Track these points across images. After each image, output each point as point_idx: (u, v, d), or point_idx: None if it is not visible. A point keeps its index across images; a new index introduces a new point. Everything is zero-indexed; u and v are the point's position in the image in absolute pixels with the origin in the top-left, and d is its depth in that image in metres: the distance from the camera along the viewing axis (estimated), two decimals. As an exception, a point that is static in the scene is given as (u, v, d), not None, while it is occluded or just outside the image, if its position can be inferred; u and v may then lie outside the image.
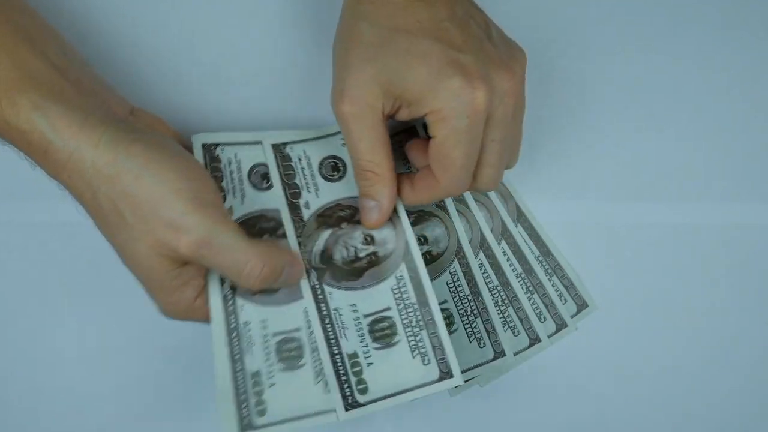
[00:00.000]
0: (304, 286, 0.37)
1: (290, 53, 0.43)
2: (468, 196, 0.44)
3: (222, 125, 0.43)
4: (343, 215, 0.40)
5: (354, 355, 0.36)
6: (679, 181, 0.45)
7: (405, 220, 0.39)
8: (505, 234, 0.44)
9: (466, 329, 0.43)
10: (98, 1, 0.43)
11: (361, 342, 0.37)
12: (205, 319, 0.36)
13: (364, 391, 0.36)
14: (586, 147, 0.45)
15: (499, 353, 0.43)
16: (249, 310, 0.36)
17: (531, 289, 0.44)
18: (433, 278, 0.41)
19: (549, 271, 0.44)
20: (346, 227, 0.39)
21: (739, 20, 0.46)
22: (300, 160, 0.40)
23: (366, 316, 0.37)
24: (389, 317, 0.37)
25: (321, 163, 0.41)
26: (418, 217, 0.42)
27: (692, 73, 0.46)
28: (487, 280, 0.44)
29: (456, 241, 0.41)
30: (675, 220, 0.45)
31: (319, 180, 0.40)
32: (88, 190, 0.32)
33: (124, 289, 0.43)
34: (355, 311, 0.37)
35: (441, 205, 0.42)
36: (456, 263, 0.41)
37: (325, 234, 0.39)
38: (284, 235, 0.38)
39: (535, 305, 0.44)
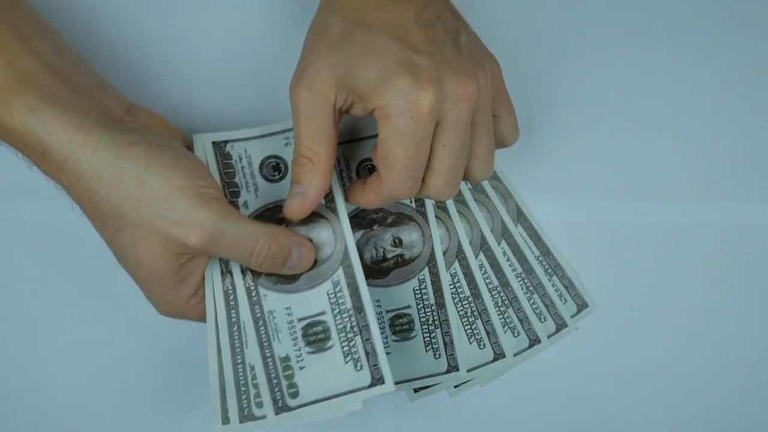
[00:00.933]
0: (358, 274, 0.38)
1: (291, 52, 0.43)
2: (468, 197, 0.44)
3: (224, 124, 0.43)
4: (375, 218, 0.41)
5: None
6: (679, 181, 0.45)
7: (346, 223, 0.39)
8: (505, 234, 0.44)
9: (466, 330, 0.43)
10: None
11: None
12: (199, 317, 0.37)
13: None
14: (586, 147, 0.45)
15: (499, 354, 0.43)
16: (272, 299, 0.37)
17: (531, 289, 0.44)
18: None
19: (549, 271, 0.44)
20: (378, 229, 0.41)
21: (738, 20, 0.46)
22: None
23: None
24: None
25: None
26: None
27: (692, 73, 0.46)
28: (487, 281, 0.44)
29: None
30: (675, 220, 0.45)
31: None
32: (85, 192, 0.32)
33: (125, 288, 0.43)
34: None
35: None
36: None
37: (357, 235, 0.41)
38: (301, 223, 0.38)
39: (535, 305, 0.44)
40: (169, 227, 0.32)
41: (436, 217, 0.43)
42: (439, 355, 0.40)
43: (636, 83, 0.45)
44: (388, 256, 0.41)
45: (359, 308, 0.38)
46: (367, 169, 0.42)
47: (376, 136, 0.39)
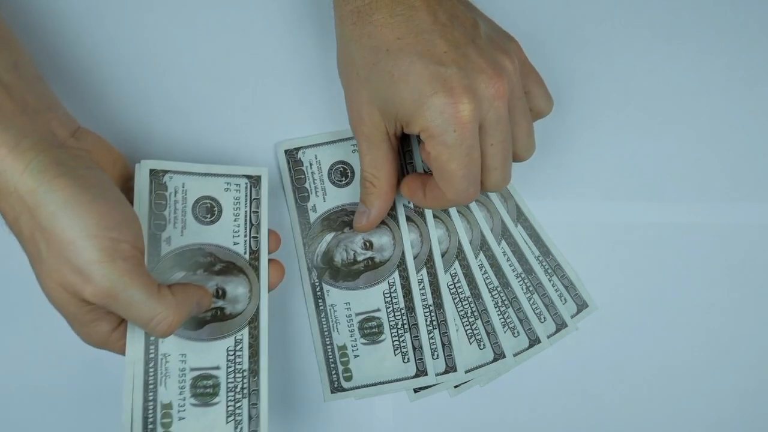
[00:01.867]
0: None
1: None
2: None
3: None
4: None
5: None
6: (679, 181, 0.45)
7: (405, 232, 0.42)
8: (505, 234, 0.44)
9: (466, 330, 0.43)
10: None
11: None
12: (121, 351, 0.36)
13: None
14: (585, 147, 0.45)
15: (499, 355, 0.43)
16: (334, 294, 0.41)
17: (531, 289, 0.44)
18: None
19: (549, 271, 0.44)
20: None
21: (738, 20, 0.46)
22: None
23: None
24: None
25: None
26: None
27: (692, 73, 0.46)
28: (487, 281, 0.44)
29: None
30: (675, 220, 0.45)
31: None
32: (11, 212, 0.32)
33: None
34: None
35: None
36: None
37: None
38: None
39: (535, 305, 0.44)
40: (68, 272, 0.31)
41: (436, 217, 0.43)
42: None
43: (636, 83, 0.45)
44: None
45: (411, 308, 0.41)
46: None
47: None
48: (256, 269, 0.38)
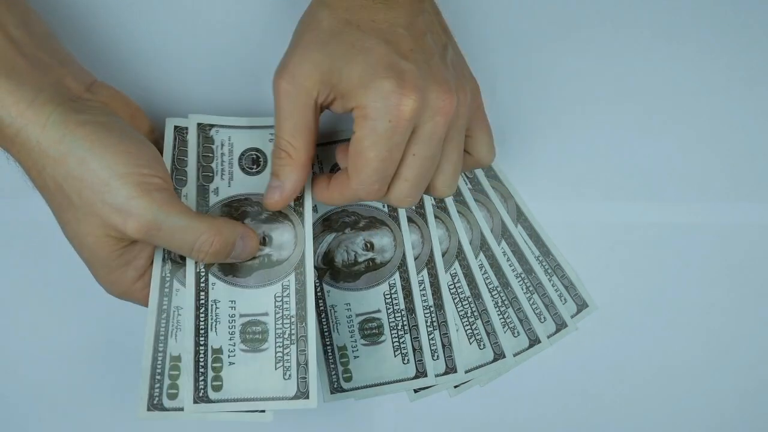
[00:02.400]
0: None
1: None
2: (468, 197, 0.44)
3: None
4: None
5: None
6: (679, 181, 0.45)
7: (406, 233, 0.41)
8: (505, 234, 0.44)
9: (466, 331, 0.43)
10: None
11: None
12: (143, 302, 0.37)
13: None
14: (585, 147, 0.45)
15: (499, 355, 0.43)
16: (335, 295, 0.41)
17: (531, 289, 0.44)
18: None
19: (549, 271, 0.44)
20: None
21: (738, 20, 0.46)
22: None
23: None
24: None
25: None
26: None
27: (692, 73, 0.46)
28: (487, 281, 0.44)
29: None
30: (675, 220, 0.45)
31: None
32: (34, 168, 0.32)
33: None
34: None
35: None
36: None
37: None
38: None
39: (535, 305, 0.44)
40: (108, 213, 0.32)
41: (436, 217, 0.43)
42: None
43: (636, 83, 0.45)
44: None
45: (411, 309, 0.41)
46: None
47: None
48: (301, 215, 0.39)
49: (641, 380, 0.44)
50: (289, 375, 0.37)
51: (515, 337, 0.43)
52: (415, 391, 0.43)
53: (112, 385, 0.43)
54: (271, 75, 0.34)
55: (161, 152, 0.37)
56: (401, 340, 0.42)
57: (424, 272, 0.43)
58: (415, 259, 0.43)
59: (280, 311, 0.37)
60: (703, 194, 0.45)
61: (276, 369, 0.37)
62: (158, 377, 0.36)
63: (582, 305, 0.44)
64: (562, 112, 0.45)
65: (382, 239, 0.42)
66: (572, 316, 0.44)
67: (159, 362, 0.36)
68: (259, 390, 0.36)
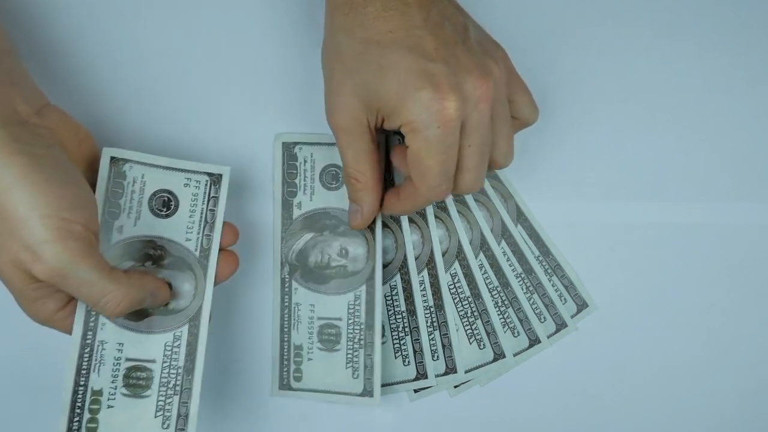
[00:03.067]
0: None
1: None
2: (468, 197, 0.44)
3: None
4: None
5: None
6: (679, 181, 0.45)
7: (379, 247, 0.41)
8: (505, 234, 0.44)
9: (466, 331, 0.43)
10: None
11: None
12: (66, 330, 0.36)
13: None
14: (585, 147, 0.45)
15: (499, 355, 0.43)
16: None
17: (531, 289, 0.44)
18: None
19: (549, 271, 0.44)
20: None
21: (739, 20, 0.46)
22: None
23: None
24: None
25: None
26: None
27: (693, 73, 0.46)
28: (487, 281, 0.44)
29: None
30: (675, 220, 0.45)
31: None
32: None
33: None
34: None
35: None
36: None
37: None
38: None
39: (535, 305, 0.44)
40: (17, 249, 0.31)
41: (436, 217, 0.43)
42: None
43: (636, 83, 0.45)
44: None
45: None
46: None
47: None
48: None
49: (641, 380, 0.44)
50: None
51: (515, 337, 0.43)
52: (415, 391, 0.43)
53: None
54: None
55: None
56: (402, 342, 0.42)
57: (425, 272, 0.43)
58: (416, 259, 0.43)
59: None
60: (703, 194, 0.45)
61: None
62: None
63: (582, 305, 0.44)
64: (562, 111, 0.45)
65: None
66: (572, 316, 0.44)
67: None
68: (331, 384, 0.41)
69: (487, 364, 0.43)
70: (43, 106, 0.36)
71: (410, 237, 0.43)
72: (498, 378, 0.43)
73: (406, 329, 0.42)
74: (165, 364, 0.37)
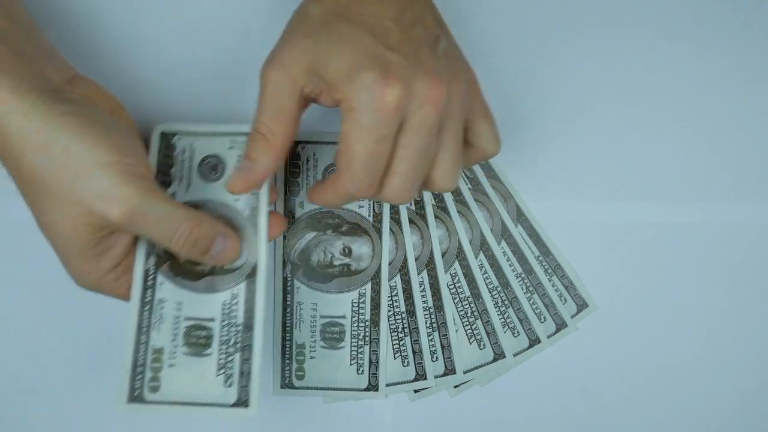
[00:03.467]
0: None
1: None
2: (468, 197, 0.44)
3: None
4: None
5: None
6: (679, 181, 0.45)
7: (386, 246, 0.42)
8: (505, 234, 0.44)
9: (466, 331, 0.43)
10: None
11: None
12: (115, 294, 0.37)
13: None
14: (585, 147, 0.45)
15: (499, 355, 0.43)
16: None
17: (531, 289, 0.44)
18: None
19: (549, 271, 0.44)
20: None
21: (739, 20, 0.46)
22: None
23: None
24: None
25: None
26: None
27: (692, 73, 0.45)
28: (488, 281, 0.44)
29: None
30: (675, 220, 0.45)
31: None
32: (11, 156, 0.32)
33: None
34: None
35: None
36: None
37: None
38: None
39: (535, 305, 0.44)
40: (92, 200, 0.32)
41: (436, 217, 0.43)
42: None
43: (636, 83, 0.45)
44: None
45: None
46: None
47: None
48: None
49: (641, 380, 0.44)
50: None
51: (515, 337, 0.43)
52: (415, 391, 0.43)
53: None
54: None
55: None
56: (401, 343, 0.42)
57: (424, 273, 0.43)
58: (416, 259, 0.43)
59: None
60: (703, 194, 0.45)
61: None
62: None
63: (582, 305, 0.44)
64: (561, 111, 0.45)
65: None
66: (572, 316, 0.44)
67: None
68: (337, 380, 0.41)
69: (487, 364, 0.43)
70: (73, 76, 0.36)
71: (410, 238, 0.43)
72: (498, 378, 0.44)
73: (406, 330, 0.42)
74: (224, 323, 0.37)
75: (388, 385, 0.42)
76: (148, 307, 0.38)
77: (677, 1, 0.46)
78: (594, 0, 0.45)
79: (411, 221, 0.43)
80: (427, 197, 0.44)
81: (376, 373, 0.42)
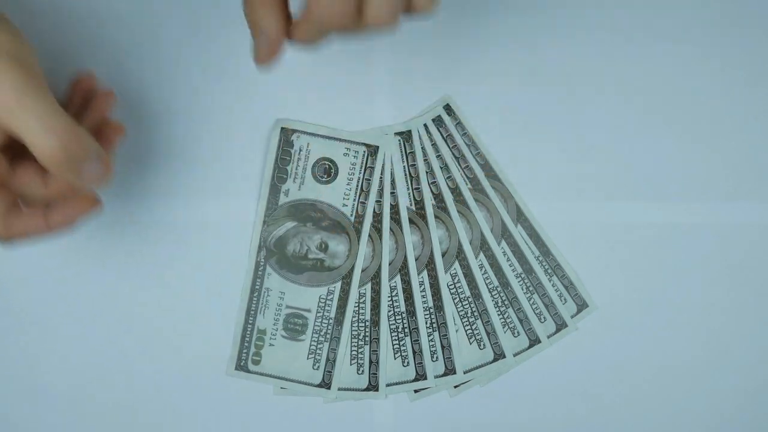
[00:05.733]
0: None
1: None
2: (468, 197, 0.44)
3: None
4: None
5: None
6: (679, 181, 0.45)
7: (386, 248, 0.42)
8: (505, 234, 0.44)
9: (466, 331, 0.43)
10: None
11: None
12: (24, 234, 0.33)
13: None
14: (585, 147, 0.45)
15: (499, 355, 0.43)
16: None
17: (531, 289, 0.44)
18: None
19: (549, 271, 0.44)
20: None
21: (739, 20, 0.46)
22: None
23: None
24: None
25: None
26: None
27: (692, 73, 0.46)
28: (487, 281, 0.44)
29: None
30: (675, 220, 0.45)
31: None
32: None
33: (128, 288, 0.43)
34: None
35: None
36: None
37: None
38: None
39: (535, 305, 0.44)
40: None
41: (436, 217, 0.43)
42: (318, 367, 0.42)
43: (636, 83, 0.45)
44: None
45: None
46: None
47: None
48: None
49: (641, 380, 0.44)
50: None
51: (515, 337, 0.43)
52: (415, 391, 0.43)
53: (113, 384, 0.43)
54: None
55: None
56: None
57: (424, 273, 0.43)
58: (416, 260, 0.43)
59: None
60: (703, 194, 0.45)
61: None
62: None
63: (582, 305, 0.44)
64: (561, 111, 0.45)
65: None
66: (572, 316, 0.44)
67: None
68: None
69: (487, 364, 0.43)
70: None
71: (410, 238, 0.43)
72: (498, 378, 0.44)
73: (406, 330, 0.42)
74: (318, 314, 0.42)
75: (388, 385, 0.42)
76: (256, 293, 0.43)
77: (677, 2, 0.46)
78: (594, 0, 0.45)
79: (411, 221, 0.43)
80: (428, 197, 0.44)
81: (376, 373, 0.42)
